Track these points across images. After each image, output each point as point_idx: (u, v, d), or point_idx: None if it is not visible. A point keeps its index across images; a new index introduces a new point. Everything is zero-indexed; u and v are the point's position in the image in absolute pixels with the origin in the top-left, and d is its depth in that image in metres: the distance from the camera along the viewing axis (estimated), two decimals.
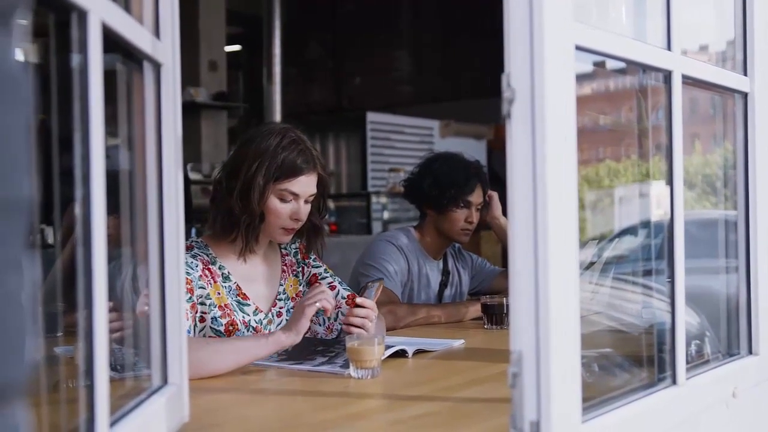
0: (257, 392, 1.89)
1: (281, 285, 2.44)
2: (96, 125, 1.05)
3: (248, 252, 2.34)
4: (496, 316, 2.75)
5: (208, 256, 2.31)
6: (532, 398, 1.21)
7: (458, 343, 2.45)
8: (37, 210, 0.67)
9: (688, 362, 1.62)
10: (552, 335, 1.20)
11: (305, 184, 2.29)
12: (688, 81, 1.64)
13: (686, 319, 1.63)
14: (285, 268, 2.48)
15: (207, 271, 2.26)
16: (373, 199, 7.67)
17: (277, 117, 8.85)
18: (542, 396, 1.21)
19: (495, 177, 3.65)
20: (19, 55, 0.63)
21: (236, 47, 10.56)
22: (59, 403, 1.25)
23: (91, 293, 1.04)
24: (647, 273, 1.98)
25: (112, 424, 1.12)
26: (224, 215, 2.29)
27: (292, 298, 2.45)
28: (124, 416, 1.21)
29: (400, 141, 8.46)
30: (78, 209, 1.05)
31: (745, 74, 1.89)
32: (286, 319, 2.38)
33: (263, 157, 2.24)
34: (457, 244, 3.30)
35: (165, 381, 1.43)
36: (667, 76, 1.59)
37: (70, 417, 1.18)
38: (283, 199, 2.28)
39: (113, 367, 1.26)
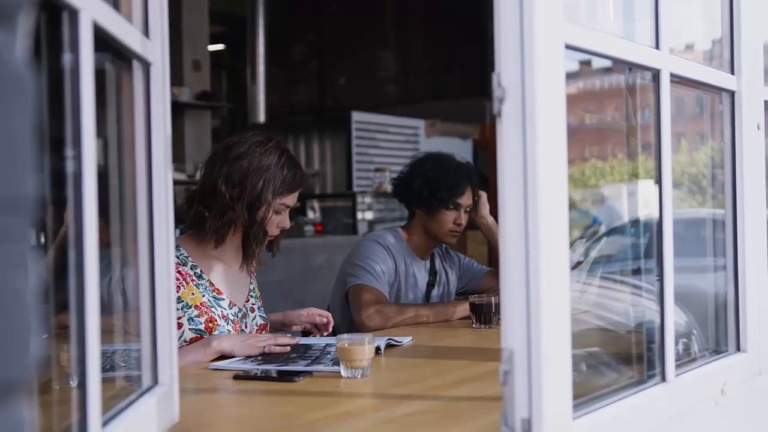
0: (247, 393, 1.89)
1: (251, 284, 2.57)
2: (87, 124, 1.04)
3: (248, 262, 2.47)
4: (485, 315, 2.75)
5: (178, 257, 2.36)
6: (523, 395, 1.22)
7: (407, 340, 2.47)
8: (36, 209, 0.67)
9: (676, 360, 1.63)
10: (543, 332, 1.21)
11: (296, 197, 2.47)
12: (676, 79, 1.65)
13: (674, 318, 1.64)
14: (252, 270, 2.60)
15: (178, 274, 2.29)
16: (359, 199, 7.65)
17: (261, 117, 8.84)
18: (533, 393, 1.21)
19: (480, 177, 3.65)
20: (23, 54, 0.63)
21: (220, 46, 10.54)
22: (49, 404, 1.24)
23: (83, 294, 1.04)
24: (635, 272, 1.99)
25: (104, 424, 1.12)
26: (226, 225, 2.37)
27: (259, 297, 2.59)
28: (115, 416, 1.20)
29: (386, 141, 8.45)
30: (69, 210, 1.04)
31: (732, 73, 1.91)
32: (259, 315, 2.54)
33: (267, 173, 2.36)
34: (444, 244, 3.30)
35: (155, 381, 1.43)
36: (656, 74, 1.59)
37: (61, 418, 1.17)
38: (277, 212, 2.42)
39: (103, 368, 1.26)
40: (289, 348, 2.24)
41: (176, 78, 7.55)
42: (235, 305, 2.45)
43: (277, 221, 2.42)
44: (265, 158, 2.37)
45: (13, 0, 0.60)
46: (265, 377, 1.97)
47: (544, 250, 1.21)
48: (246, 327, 2.47)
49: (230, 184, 2.35)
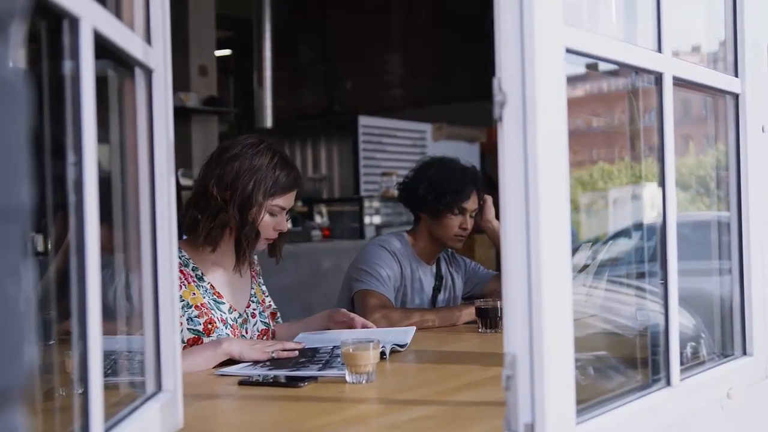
0: (252, 399, 1.89)
1: (252, 289, 2.57)
2: (88, 132, 1.05)
3: (241, 264, 2.45)
4: (490, 319, 2.75)
5: (180, 258, 2.36)
6: (526, 400, 1.21)
7: (410, 333, 2.50)
8: (32, 217, 0.68)
9: (683, 364, 1.62)
10: (545, 337, 1.20)
11: (292, 199, 2.46)
12: (679, 83, 1.65)
13: (682, 322, 1.63)
14: (253, 274, 2.61)
15: (179, 273, 2.30)
16: (366, 203, 7.64)
17: (269, 122, 8.84)
18: (536, 398, 1.21)
19: (488, 180, 3.64)
20: (17, 63, 0.63)
21: (226, 51, 10.55)
22: (55, 411, 1.25)
23: (85, 300, 1.04)
24: (641, 275, 1.98)
25: (107, 430, 1.12)
26: (218, 227, 2.37)
27: (261, 302, 2.58)
28: (118, 423, 1.20)
29: (393, 145, 8.46)
30: (70, 216, 1.05)
31: (736, 75, 1.90)
32: (260, 321, 2.54)
33: (258, 174, 2.36)
34: (450, 248, 3.30)
35: (159, 388, 1.43)
36: (658, 77, 1.59)
37: (64, 424, 1.17)
38: (272, 214, 2.41)
39: (106, 374, 1.26)
40: (297, 353, 2.24)
41: (183, 83, 7.55)
42: (236, 310, 2.45)
43: (274, 223, 2.42)
44: (256, 159, 2.37)
45: (6, 9, 0.60)
46: (270, 383, 1.97)
47: (546, 255, 1.21)
48: (246, 333, 2.47)
49: (222, 186, 2.36)
